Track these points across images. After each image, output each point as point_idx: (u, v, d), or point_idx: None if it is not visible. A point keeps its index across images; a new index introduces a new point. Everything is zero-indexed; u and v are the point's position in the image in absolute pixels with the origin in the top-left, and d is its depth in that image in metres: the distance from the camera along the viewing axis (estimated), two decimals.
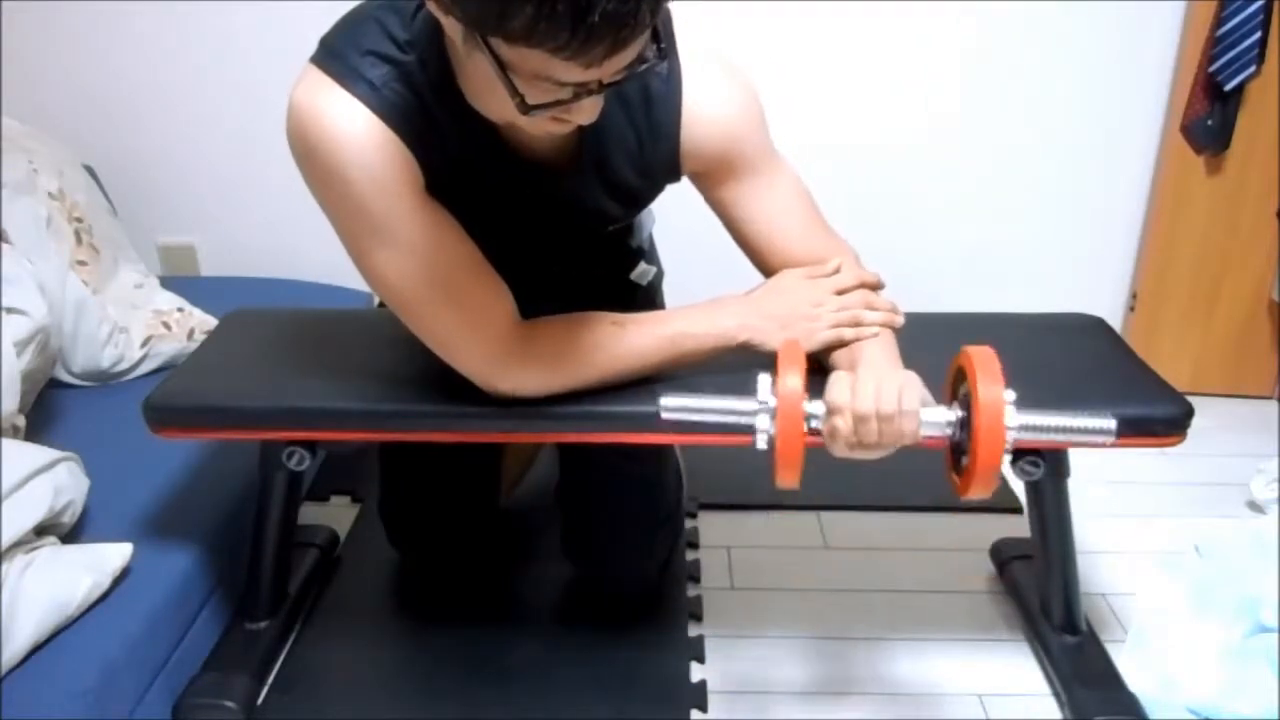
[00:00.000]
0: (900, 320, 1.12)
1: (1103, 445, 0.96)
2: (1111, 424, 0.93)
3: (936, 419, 0.95)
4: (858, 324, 1.09)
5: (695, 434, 1.13)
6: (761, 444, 0.94)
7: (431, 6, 0.82)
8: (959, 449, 0.97)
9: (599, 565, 1.45)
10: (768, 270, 1.14)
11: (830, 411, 0.93)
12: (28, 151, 1.69)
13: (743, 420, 0.94)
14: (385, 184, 0.95)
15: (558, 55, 0.75)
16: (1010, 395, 0.89)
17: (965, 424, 0.94)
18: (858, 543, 1.66)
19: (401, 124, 0.95)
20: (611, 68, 0.79)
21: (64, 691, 1.05)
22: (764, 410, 0.92)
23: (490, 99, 0.88)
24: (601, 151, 1.04)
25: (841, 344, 1.09)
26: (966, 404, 0.93)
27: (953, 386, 0.99)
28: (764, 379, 0.93)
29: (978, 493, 0.93)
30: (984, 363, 0.91)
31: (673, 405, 0.95)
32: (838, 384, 0.94)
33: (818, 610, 1.50)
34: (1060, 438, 0.95)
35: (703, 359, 1.11)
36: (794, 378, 0.91)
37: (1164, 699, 1.28)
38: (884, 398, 0.91)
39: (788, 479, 0.92)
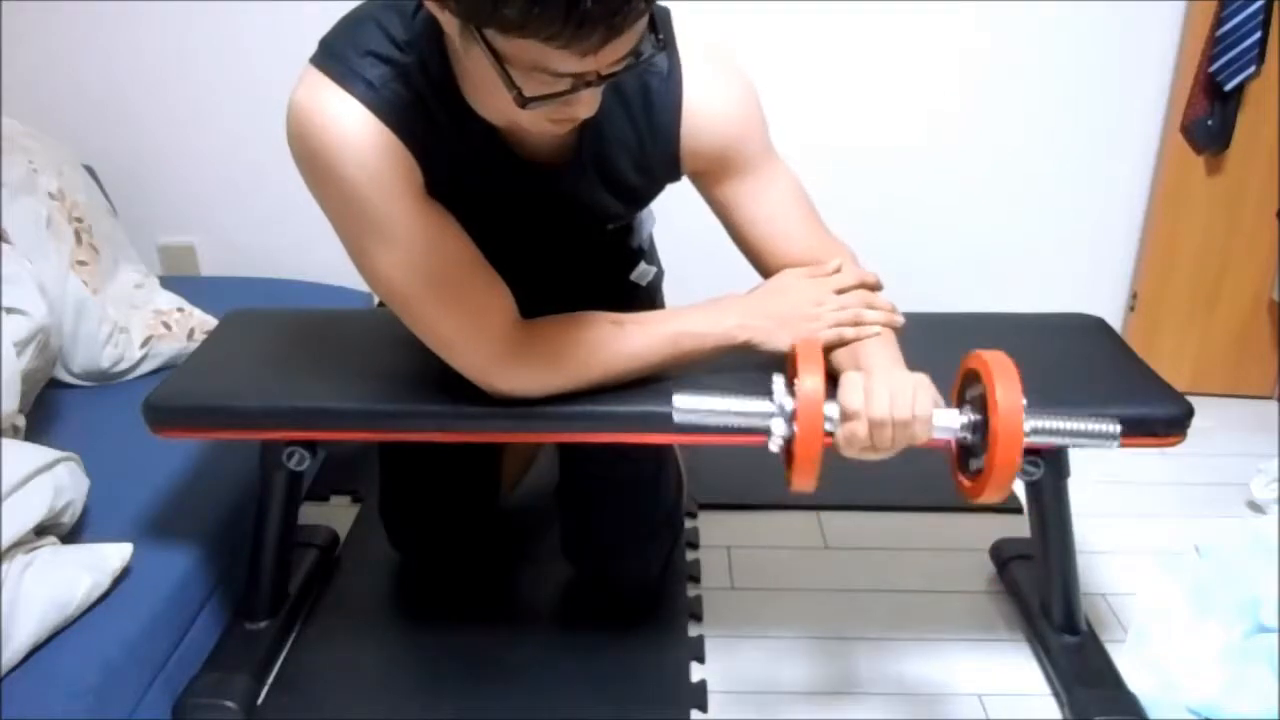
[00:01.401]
0: (900, 320, 1.12)
1: (1108, 447, 0.97)
2: (1116, 428, 0.94)
3: (949, 423, 0.95)
4: (859, 323, 1.09)
5: (695, 434, 1.13)
6: (775, 446, 0.94)
7: (428, 4, 0.82)
8: (969, 452, 0.97)
9: (599, 565, 1.45)
10: (766, 271, 1.14)
11: (845, 416, 0.93)
12: (28, 151, 1.69)
13: (758, 423, 0.94)
14: (385, 184, 0.95)
15: (552, 44, 0.75)
16: (1023, 400, 0.90)
17: (977, 427, 0.94)
18: (858, 543, 1.66)
19: (401, 124, 0.95)
20: (608, 58, 0.79)
21: (64, 691, 1.05)
22: (780, 413, 0.92)
23: (489, 96, 0.88)
24: (601, 150, 1.04)
25: (842, 343, 1.09)
26: (978, 407, 0.94)
27: (960, 389, 0.99)
28: (779, 380, 0.93)
29: (991, 497, 0.93)
30: (1001, 368, 0.91)
31: (686, 406, 0.94)
32: (851, 388, 0.93)
33: (818, 610, 1.50)
34: (1068, 441, 0.96)
35: (703, 359, 1.11)
36: (814, 379, 0.91)
37: (1164, 699, 1.28)
38: (899, 403, 0.91)
39: (805, 482, 0.92)
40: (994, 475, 0.90)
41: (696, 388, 0.96)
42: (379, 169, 0.95)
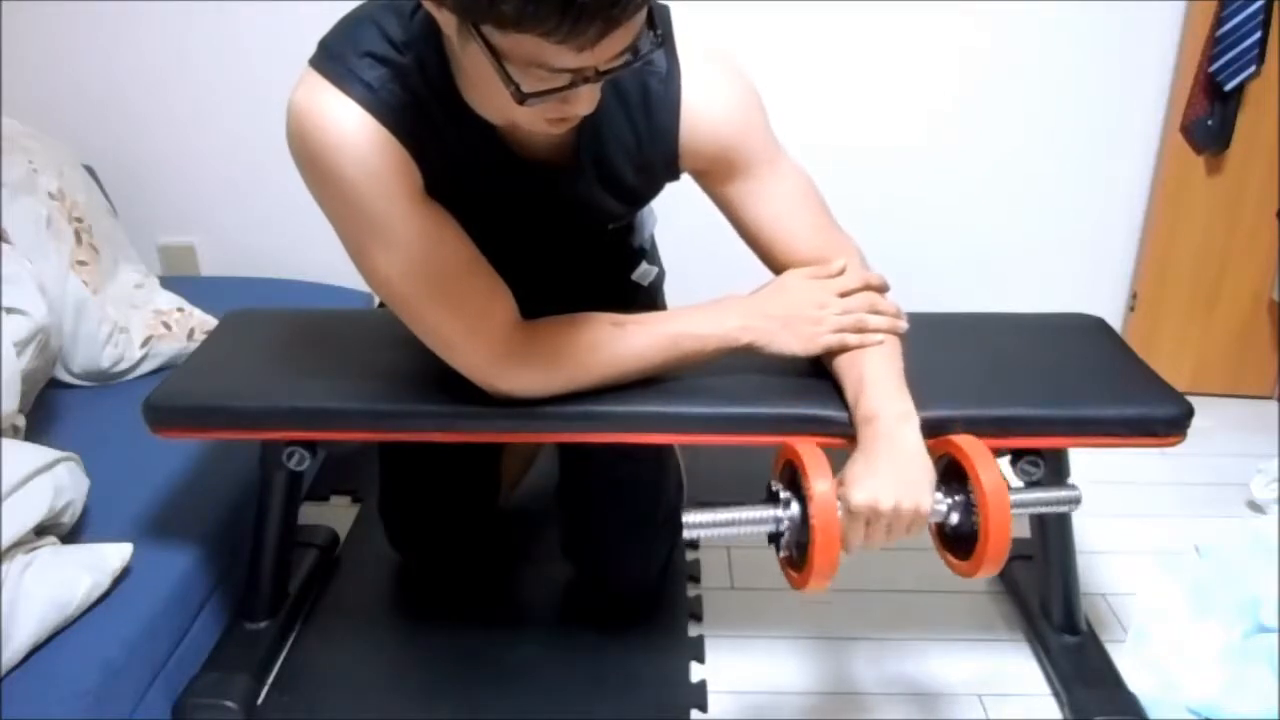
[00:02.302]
0: (904, 325, 1.11)
1: (1071, 510, 1.07)
2: (1077, 493, 1.04)
3: (937, 508, 0.99)
4: (861, 328, 1.09)
5: (696, 434, 1.13)
6: (784, 552, 0.99)
7: (426, 3, 0.82)
8: (955, 530, 1.01)
9: (599, 566, 1.45)
10: (775, 268, 1.14)
11: (850, 515, 0.96)
12: (28, 151, 1.69)
13: (770, 528, 0.98)
14: (384, 185, 0.95)
15: (549, 39, 0.75)
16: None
17: (960, 506, 0.99)
18: None
19: (399, 125, 0.95)
20: (606, 53, 0.78)
21: (64, 691, 1.05)
22: (789, 521, 0.97)
23: (487, 94, 0.88)
24: (600, 149, 1.04)
25: (844, 349, 1.09)
26: (956, 489, 0.99)
27: (939, 471, 1.02)
28: (780, 488, 0.98)
29: (988, 573, 0.97)
30: (978, 453, 0.97)
31: (695, 522, 0.98)
32: (857, 485, 0.96)
33: (818, 610, 1.50)
34: (1036, 510, 1.07)
35: (704, 360, 1.11)
36: (824, 483, 0.93)
37: (1164, 699, 1.28)
38: (902, 511, 0.94)
39: (821, 587, 0.95)
40: (988, 555, 0.95)
41: (704, 506, 0.99)
42: (378, 170, 0.95)
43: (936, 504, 0.98)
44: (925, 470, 0.97)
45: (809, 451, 0.96)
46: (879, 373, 1.05)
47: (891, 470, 0.96)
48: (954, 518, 1.00)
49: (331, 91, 0.93)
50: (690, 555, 1.61)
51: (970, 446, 0.98)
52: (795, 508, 0.96)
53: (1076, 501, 1.03)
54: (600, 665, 1.38)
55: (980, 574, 0.97)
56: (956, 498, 0.99)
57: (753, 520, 0.97)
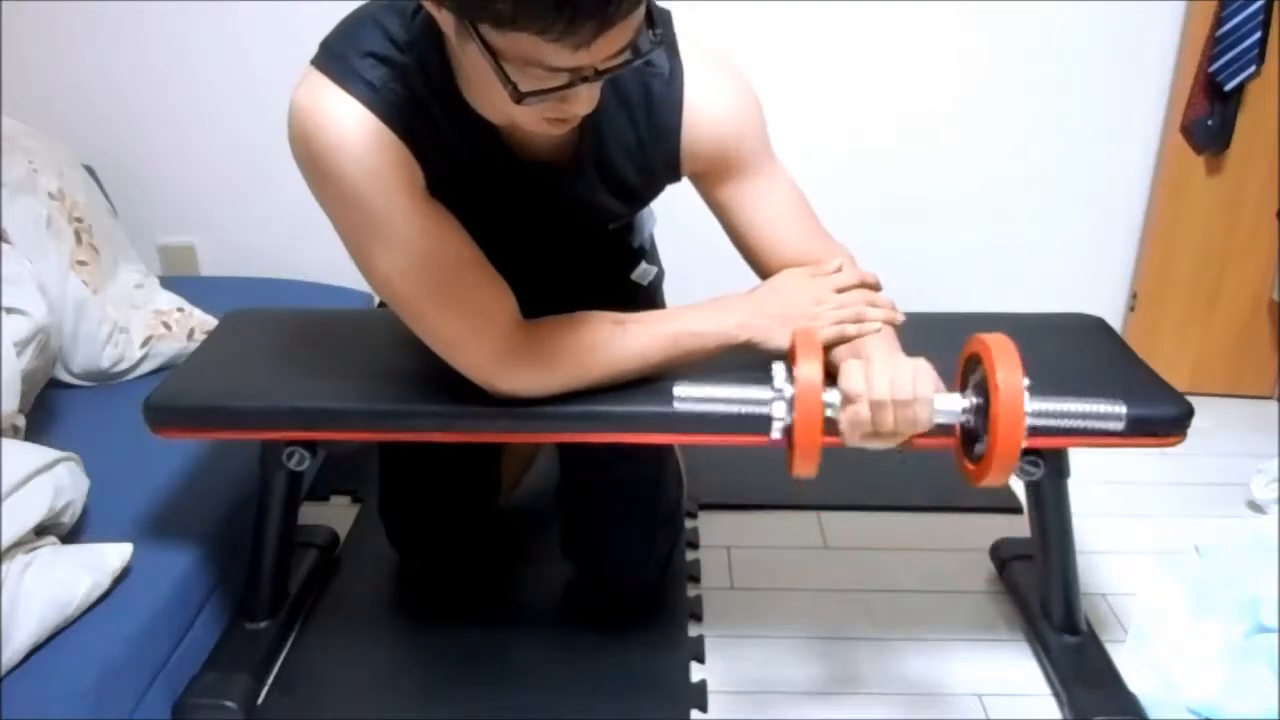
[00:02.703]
0: (901, 317, 1.12)
1: (1113, 432, 0.96)
2: (1122, 408, 0.93)
3: (951, 406, 0.95)
4: (860, 320, 1.09)
5: (696, 434, 1.13)
6: (776, 434, 0.94)
7: (425, 2, 0.82)
8: (972, 436, 0.97)
9: (599, 565, 1.45)
10: (764, 272, 1.14)
11: (845, 399, 0.93)
12: (28, 151, 1.69)
13: (758, 409, 0.94)
14: (385, 185, 0.95)
15: (545, 37, 0.75)
16: (1026, 381, 0.90)
17: (980, 410, 0.94)
18: (858, 543, 1.66)
19: (401, 125, 0.95)
20: (602, 51, 0.78)
21: (64, 691, 1.05)
22: (780, 398, 0.92)
23: (486, 93, 0.88)
24: (601, 149, 1.04)
25: (844, 340, 1.09)
26: (980, 391, 0.94)
27: (963, 375, 0.99)
28: (779, 367, 0.93)
29: (994, 479, 0.93)
30: (1001, 349, 0.92)
31: (687, 394, 0.95)
32: (851, 372, 0.93)
33: (818, 610, 1.50)
34: (1072, 423, 0.95)
35: (704, 359, 1.11)
36: (811, 365, 0.91)
37: (1164, 699, 1.28)
38: (899, 384, 0.91)
39: (806, 468, 0.92)
40: (996, 457, 0.90)
41: (698, 378, 0.96)
42: (379, 169, 0.95)
43: (954, 404, 0.94)
44: (923, 367, 0.95)
45: (806, 340, 0.94)
46: (880, 348, 1.05)
47: (888, 363, 0.94)
48: (973, 420, 0.95)
49: (333, 91, 0.94)
50: (690, 555, 1.61)
51: (995, 343, 0.93)
52: (788, 390, 0.93)
53: (1119, 418, 0.93)
54: (600, 665, 1.38)
55: (989, 479, 0.93)
56: (977, 400, 0.95)
57: (745, 398, 0.94)
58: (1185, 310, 2.05)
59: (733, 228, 1.12)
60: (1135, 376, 1.21)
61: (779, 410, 0.92)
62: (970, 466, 0.97)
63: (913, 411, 0.92)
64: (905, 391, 0.91)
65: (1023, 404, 0.89)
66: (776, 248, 1.12)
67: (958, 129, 2.01)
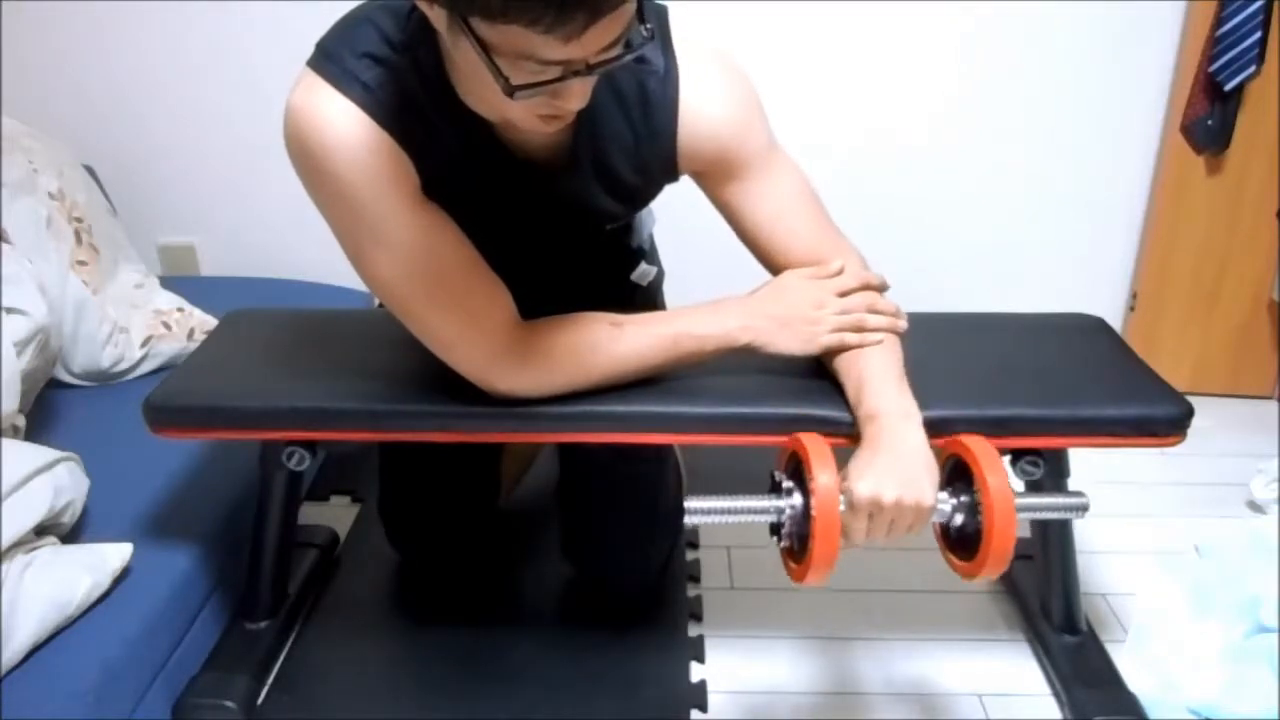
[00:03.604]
0: (904, 325, 1.11)
1: (1078, 517, 1.06)
2: (1085, 500, 1.02)
3: (942, 508, 0.99)
4: (860, 328, 1.09)
5: (696, 434, 1.13)
6: (785, 543, 0.98)
7: (417, 1, 0.82)
8: (959, 531, 1.00)
9: (599, 565, 1.45)
10: (775, 270, 1.14)
11: (853, 509, 0.95)
12: (28, 151, 1.69)
13: (771, 517, 0.98)
14: (381, 186, 0.95)
15: (536, 29, 0.75)
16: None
17: (967, 508, 0.98)
18: None
19: (397, 126, 0.95)
20: (594, 44, 0.78)
21: (64, 691, 1.05)
22: (792, 513, 0.97)
23: (479, 89, 0.88)
24: (598, 149, 1.04)
25: (844, 349, 1.09)
26: (962, 490, 0.99)
27: (945, 471, 1.02)
28: (783, 479, 0.98)
29: (991, 575, 0.97)
30: (986, 455, 0.96)
31: (697, 508, 0.98)
32: (860, 481, 0.95)
33: (818, 610, 1.50)
34: (1041, 516, 1.08)
35: (704, 360, 1.11)
36: (827, 475, 0.93)
37: (1164, 699, 1.28)
38: (905, 509, 0.94)
39: (820, 579, 0.95)
40: (991, 555, 0.94)
41: (707, 492, 1.00)
42: (375, 170, 0.95)
43: (941, 503, 0.98)
44: (928, 467, 0.97)
45: (814, 444, 0.96)
46: (879, 371, 1.05)
47: (895, 466, 0.95)
48: (958, 518, 0.99)
49: (329, 92, 0.94)
50: (690, 555, 1.61)
51: (978, 448, 0.97)
52: (798, 498, 0.96)
53: (1083, 509, 1.02)
54: (600, 665, 1.38)
55: (983, 576, 0.97)
56: (962, 498, 0.99)
57: (755, 509, 0.98)
58: (1185, 310, 2.05)
59: (739, 226, 1.12)
60: (1135, 376, 1.21)
61: (790, 523, 0.98)
62: (959, 563, 1.01)
63: (914, 527, 0.96)
64: (909, 511, 0.94)
65: (1014, 511, 0.94)
66: (783, 246, 1.11)
67: (957, 129, 2.01)
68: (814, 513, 0.92)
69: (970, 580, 0.99)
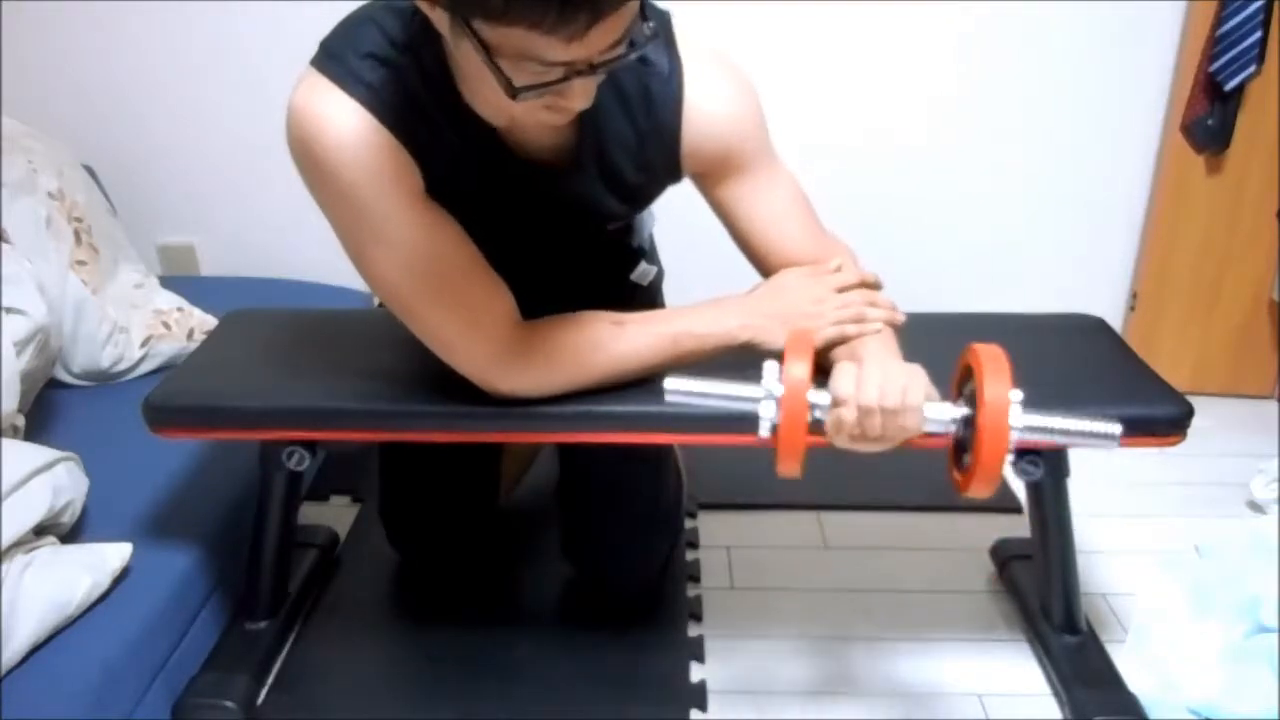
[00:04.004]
0: (902, 318, 1.12)
1: (1107, 448, 0.95)
2: (1116, 428, 0.92)
3: (940, 415, 0.94)
4: (860, 320, 1.09)
5: (696, 434, 1.13)
6: (764, 431, 0.93)
7: (419, 3, 0.82)
8: (962, 446, 0.96)
9: (599, 565, 1.45)
10: (767, 271, 1.14)
11: (834, 403, 0.92)
12: (28, 151, 1.69)
13: (746, 406, 0.93)
14: (383, 185, 0.95)
15: (538, 30, 0.75)
16: (1017, 395, 0.89)
17: (970, 421, 0.93)
18: (858, 543, 1.66)
19: (399, 125, 0.95)
20: (596, 44, 0.78)
21: (64, 691, 1.05)
22: (769, 397, 0.91)
23: (482, 91, 0.89)
24: (601, 148, 1.04)
25: (844, 340, 1.09)
26: (972, 401, 0.93)
27: (959, 384, 0.99)
28: (770, 366, 0.93)
29: (979, 491, 0.92)
30: (991, 360, 0.90)
31: (677, 387, 0.94)
32: (843, 375, 0.93)
33: (818, 610, 1.50)
34: (1064, 440, 0.94)
35: (704, 359, 1.11)
36: (799, 366, 0.91)
37: (1164, 699, 1.28)
38: (889, 391, 0.90)
39: (789, 468, 0.92)
40: (980, 466, 0.90)
41: (689, 371, 0.95)
42: (377, 170, 0.95)
43: (944, 413, 0.93)
44: (918, 373, 0.94)
45: (797, 341, 0.94)
46: (877, 350, 1.05)
47: (881, 368, 0.93)
48: (962, 429, 0.94)
49: (332, 92, 0.94)
50: (690, 555, 1.61)
51: (985, 354, 0.92)
52: (777, 389, 0.92)
53: (1113, 438, 0.91)
54: (600, 665, 1.38)
55: (973, 490, 0.92)
56: (968, 410, 0.94)
57: (734, 395, 0.93)
58: (1185, 310, 2.05)
59: (734, 227, 1.12)
60: (1135, 376, 1.21)
61: (767, 409, 0.92)
62: (957, 476, 0.97)
63: (901, 419, 0.91)
64: (894, 398, 0.90)
65: (1008, 418, 0.88)
66: (779, 246, 1.12)
67: (957, 129, 2.01)
68: (782, 399, 0.89)
69: (963, 494, 0.94)
